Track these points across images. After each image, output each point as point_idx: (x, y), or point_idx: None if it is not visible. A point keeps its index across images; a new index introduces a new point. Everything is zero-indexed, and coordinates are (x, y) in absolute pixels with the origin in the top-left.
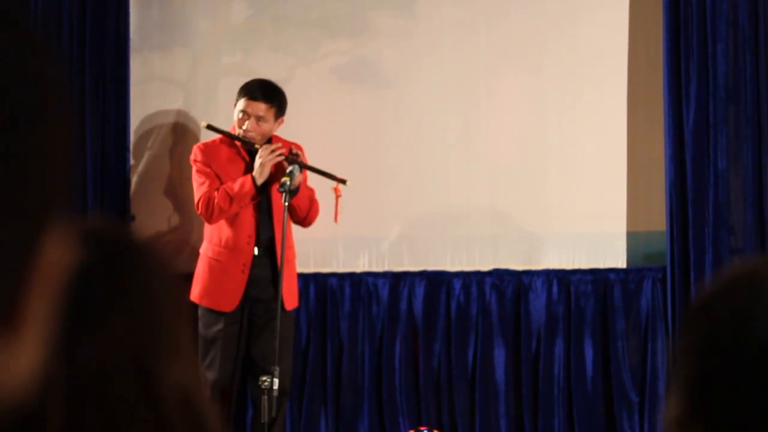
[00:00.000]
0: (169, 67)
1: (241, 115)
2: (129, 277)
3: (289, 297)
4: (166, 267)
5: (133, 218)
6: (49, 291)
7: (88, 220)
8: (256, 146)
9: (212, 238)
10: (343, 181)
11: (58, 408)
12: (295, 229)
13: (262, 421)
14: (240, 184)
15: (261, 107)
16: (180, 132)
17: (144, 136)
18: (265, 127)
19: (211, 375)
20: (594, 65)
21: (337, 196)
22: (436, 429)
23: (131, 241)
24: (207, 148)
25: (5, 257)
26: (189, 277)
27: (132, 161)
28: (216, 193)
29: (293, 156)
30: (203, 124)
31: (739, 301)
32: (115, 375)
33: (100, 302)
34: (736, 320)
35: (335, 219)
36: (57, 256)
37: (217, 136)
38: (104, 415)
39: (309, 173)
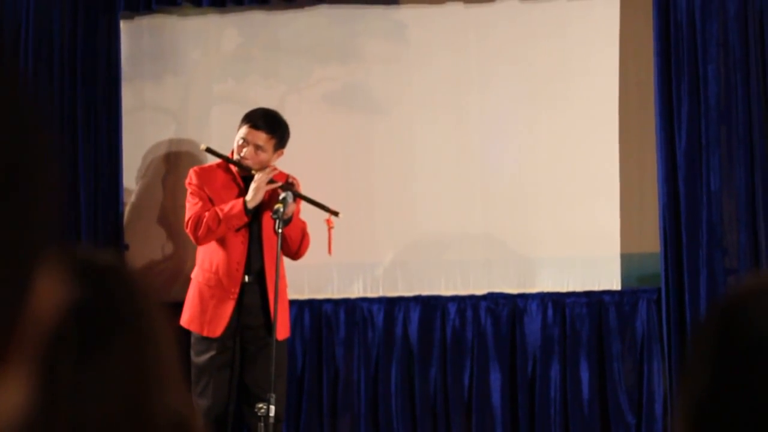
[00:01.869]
0: (160, 96)
1: (241, 142)
2: (125, 312)
3: (282, 327)
4: (156, 297)
5: (126, 247)
6: (39, 329)
7: (80, 250)
8: (253, 171)
9: (203, 264)
10: (336, 213)
11: None
12: (287, 258)
13: None
14: (231, 206)
15: (261, 137)
16: (173, 160)
17: (136, 166)
18: (263, 156)
19: (204, 402)
20: (585, 88)
21: (330, 228)
22: None
23: (123, 273)
24: (203, 172)
25: None
26: (182, 305)
27: (125, 190)
28: (206, 213)
29: (288, 185)
30: (202, 146)
31: (752, 314)
32: (114, 410)
33: (98, 337)
34: (747, 334)
35: (329, 251)
36: (49, 294)
37: (213, 161)
38: None
39: (302, 205)
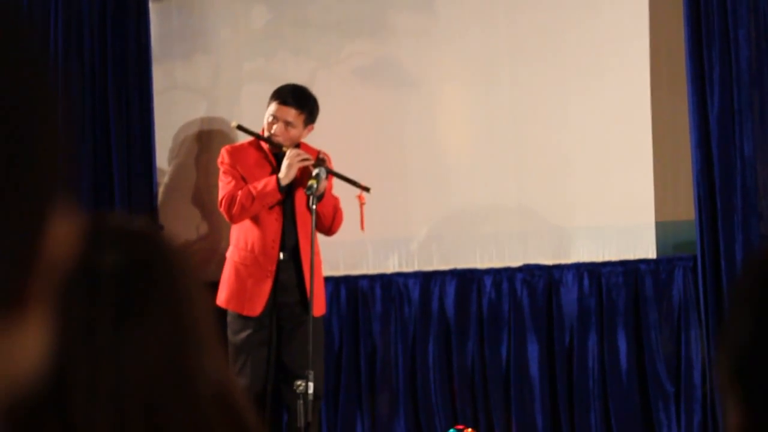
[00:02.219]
0: (191, 76)
1: (270, 119)
2: (162, 276)
3: (317, 303)
4: (192, 265)
5: (161, 227)
6: (54, 275)
7: (115, 216)
8: (284, 149)
9: (238, 242)
10: (367, 189)
11: (105, 411)
12: (321, 234)
13: (298, 425)
14: (264, 184)
15: (291, 112)
16: (205, 140)
17: (169, 146)
18: (294, 132)
19: (242, 381)
20: (616, 55)
21: (362, 204)
22: (472, 428)
23: (159, 239)
24: (234, 151)
25: (7, 241)
26: (218, 284)
27: (158, 171)
28: (240, 192)
29: (320, 161)
30: (234, 123)
31: None
32: (156, 375)
33: (137, 300)
34: None
35: (362, 227)
36: (63, 240)
37: (245, 139)
38: (148, 416)
39: (334, 182)
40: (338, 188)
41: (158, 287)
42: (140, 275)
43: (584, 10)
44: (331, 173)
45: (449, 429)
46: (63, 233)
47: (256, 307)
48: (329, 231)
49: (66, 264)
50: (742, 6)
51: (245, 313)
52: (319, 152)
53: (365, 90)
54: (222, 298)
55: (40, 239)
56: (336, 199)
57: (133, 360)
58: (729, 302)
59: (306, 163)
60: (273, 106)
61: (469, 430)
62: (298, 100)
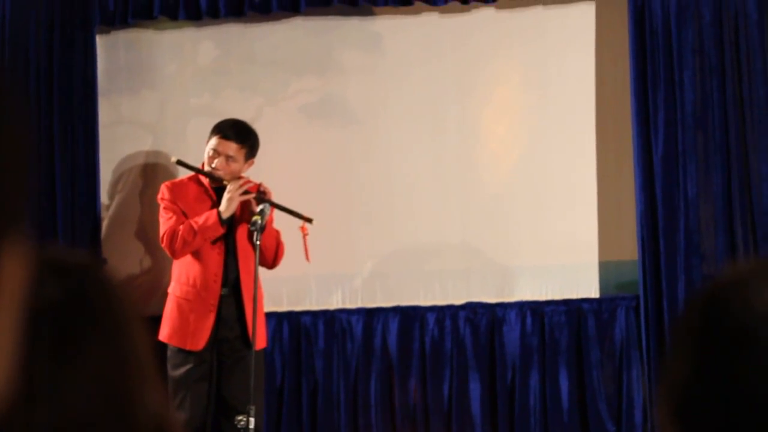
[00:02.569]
0: (137, 110)
1: (211, 153)
2: (100, 309)
3: (259, 336)
4: (130, 299)
5: (104, 261)
6: (11, 305)
7: (53, 249)
8: (224, 182)
9: (180, 277)
10: (309, 220)
11: None
12: (264, 270)
13: None
14: (205, 218)
15: (232, 147)
16: (150, 174)
17: (114, 180)
18: (235, 166)
19: (182, 416)
20: (562, 96)
21: (305, 235)
22: None
23: (97, 272)
24: (174, 187)
25: None
26: (160, 319)
27: (102, 205)
28: (181, 227)
29: (261, 194)
30: (173, 159)
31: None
32: (94, 407)
33: (75, 334)
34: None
35: (307, 258)
36: (16, 272)
37: (184, 175)
38: None
39: (274, 214)
40: (279, 222)
41: (96, 321)
42: (78, 308)
43: (531, 52)
44: (273, 205)
45: None
46: (16, 266)
47: (199, 341)
48: (272, 264)
49: (21, 297)
50: (686, 48)
51: (188, 347)
52: (259, 185)
53: (311, 127)
54: (165, 334)
55: None
56: (277, 232)
57: (71, 394)
58: (670, 340)
59: (247, 197)
60: (214, 141)
61: None
62: (239, 134)
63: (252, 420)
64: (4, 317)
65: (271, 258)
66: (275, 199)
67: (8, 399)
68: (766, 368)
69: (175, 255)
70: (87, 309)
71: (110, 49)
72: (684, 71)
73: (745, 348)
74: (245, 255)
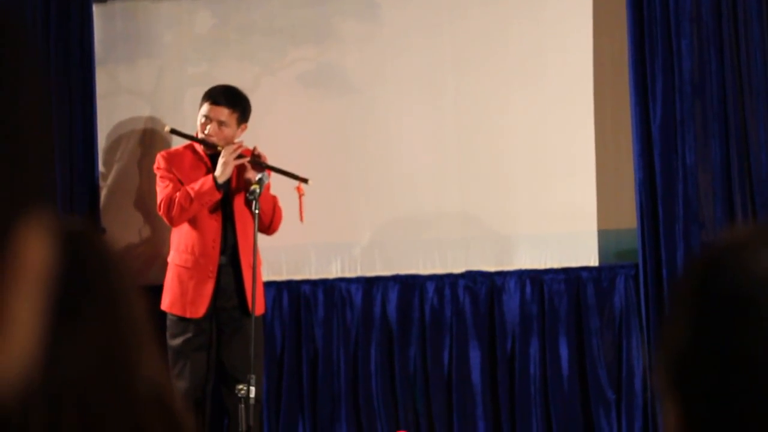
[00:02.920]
0: (134, 79)
1: (203, 120)
2: (96, 275)
3: (257, 303)
4: (127, 266)
5: (103, 231)
6: (32, 289)
7: (49, 216)
8: (219, 148)
9: (179, 246)
10: (305, 180)
11: (39, 411)
12: (263, 237)
13: (240, 430)
14: (201, 183)
15: (224, 112)
16: (148, 143)
17: (112, 149)
18: (227, 131)
19: (182, 384)
20: (559, 64)
21: (300, 195)
22: None
23: (94, 239)
24: (170, 156)
25: None
26: (161, 289)
27: (101, 174)
28: (178, 194)
29: (256, 157)
30: (167, 128)
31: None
32: (91, 375)
33: (71, 300)
34: (726, 288)
35: (301, 218)
36: (38, 253)
37: (180, 144)
38: (82, 416)
39: (272, 181)
40: (275, 186)
41: (93, 287)
42: (74, 275)
43: (528, 20)
44: (268, 168)
45: None
46: (39, 246)
47: (199, 308)
48: (269, 229)
49: (44, 278)
50: (684, 17)
51: (188, 315)
52: (254, 149)
53: (309, 96)
54: (166, 303)
55: (8, 247)
56: (274, 197)
57: (67, 359)
58: (668, 306)
59: (242, 161)
60: (205, 107)
61: None
62: (229, 99)
63: (252, 389)
64: (28, 294)
65: (267, 222)
66: (270, 162)
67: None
68: (764, 332)
69: (173, 222)
70: (83, 276)
71: (107, 19)
72: (682, 40)
73: (743, 312)
74: (243, 223)
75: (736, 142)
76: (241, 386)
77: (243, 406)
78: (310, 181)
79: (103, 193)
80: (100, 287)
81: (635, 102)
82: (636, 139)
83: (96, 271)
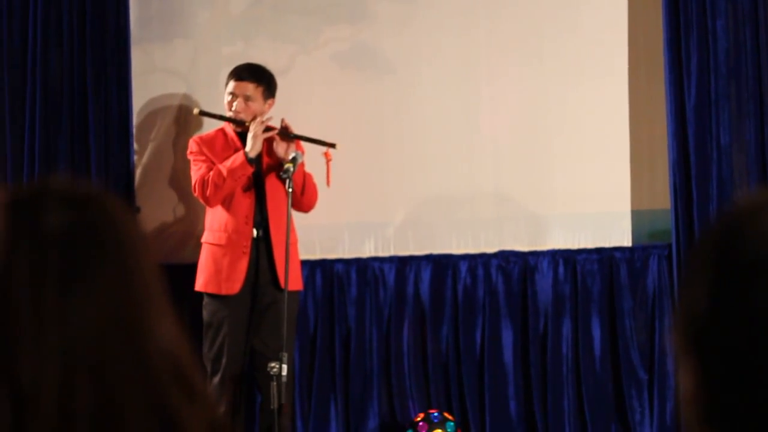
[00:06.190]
0: (170, 59)
1: (230, 97)
2: (108, 237)
3: (293, 278)
4: (139, 227)
5: (138, 210)
6: None
7: (62, 180)
8: (247, 124)
9: (212, 225)
10: (333, 145)
11: (51, 372)
12: (298, 215)
13: (272, 407)
14: (232, 160)
15: (248, 87)
16: (183, 122)
17: (147, 128)
18: (254, 106)
19: (222, 362)
20: (594, 45)
21: (328, 161)
22: (446, 412)
23: (106, 202)
24: (201, 140)
25: None
26: (194, 268)
27: (136, 153)
28: (211, 173)
29: (284, 129)
30: (195, 111)
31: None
32: (102, 336)
33: (83, 260)
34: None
35: (327, 183)
36: None
37: (211, 128)
38: (97, 379)
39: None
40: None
41: (104, 248)
42: (86, 236)
43: (563, 2)
44: (296, 137)
45: (422, 413)
46: None
47: (235, 284)
48: (301, 204)
49: None
50: None
51: (223, 292)
52: (282, 120)
53: (344, 75)
54: (200, 283)
55: None
56: (309, 175)
57: (80, 319)
58: (685, 269)
59: (270, 133)
60: (231, 84)
61: (445, 414)
62: (254, 73)
63: (284, 367)
64: None
65: (299, 193)
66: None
67: (12, 322)
68: None
69: (209, 202)
70: (95, 236)
71: None
72: (717, 19)
73: (760, 276)
74: (276, 200)
75: None
76: (273, 364)
77: (275, 383)
78: (338, 146)
79: (138, 171)
80: (110, 248)
81: (670, 82)
82: (670, 120)
83: (107, 233)
